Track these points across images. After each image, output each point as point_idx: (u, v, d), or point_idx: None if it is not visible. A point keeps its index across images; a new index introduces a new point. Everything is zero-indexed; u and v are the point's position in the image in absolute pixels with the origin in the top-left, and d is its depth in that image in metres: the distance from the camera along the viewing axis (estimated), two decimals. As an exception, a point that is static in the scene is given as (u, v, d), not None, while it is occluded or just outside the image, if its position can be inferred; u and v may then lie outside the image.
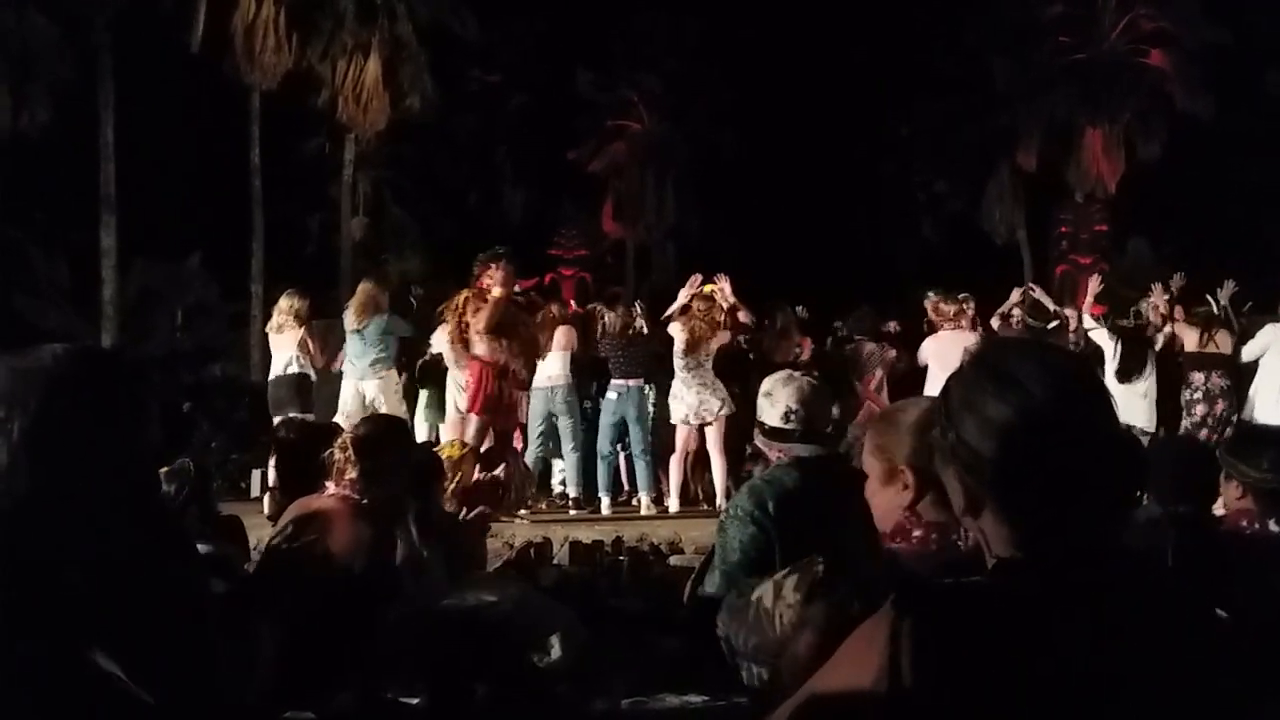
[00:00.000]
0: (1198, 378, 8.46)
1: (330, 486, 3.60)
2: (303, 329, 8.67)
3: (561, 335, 8.44)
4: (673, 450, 8.48)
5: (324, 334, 9.01)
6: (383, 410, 7.88)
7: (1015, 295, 9.52)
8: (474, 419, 7.71)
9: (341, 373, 8.75)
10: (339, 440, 3.70)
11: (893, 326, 10.20)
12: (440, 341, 8.42)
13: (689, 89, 26.11)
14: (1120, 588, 1.25)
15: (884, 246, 26.69)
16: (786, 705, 1.31)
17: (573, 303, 11.71)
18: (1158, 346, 8.55)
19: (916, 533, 2.14)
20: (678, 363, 8.24)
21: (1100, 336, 8.45)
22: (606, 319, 8.73)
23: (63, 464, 1.60)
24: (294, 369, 8.62)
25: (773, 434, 3.44)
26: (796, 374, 3.63)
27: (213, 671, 1.68)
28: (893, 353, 9.35)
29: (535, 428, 8.41)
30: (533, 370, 8.11)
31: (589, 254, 27.36)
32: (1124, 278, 17.43)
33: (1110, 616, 1.21)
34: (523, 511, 7.67)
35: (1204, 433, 8.19)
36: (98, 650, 1.52)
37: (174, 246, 21.01)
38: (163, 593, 1.63)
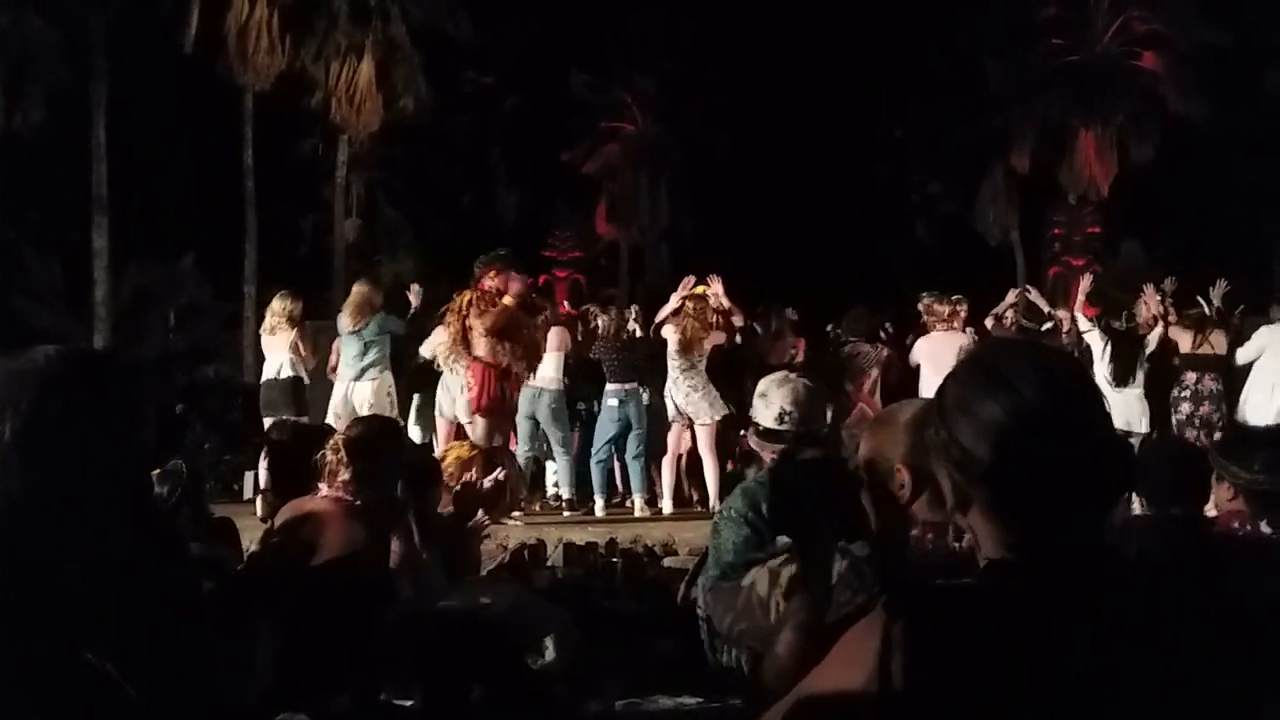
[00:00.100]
0: (1189, 377, 8.51)
1: (323, 488, 3.60)
2: (295, 331, 8.65)
3: (554, 337, 8.42)
4: (665, 452, 8.49)
5: (315, 336, 8.99)
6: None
7: (1011, 297, 9.53)
8: (480, 421, 7.73)
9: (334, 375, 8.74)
10: (331, 442, 3.69)
11: (887, 328, 10.20)
12: (432, 346, 8.41)
13: (683, 90, 26.12)
14: (1113, 589, 1.25)
15: (878, 248, 26.73)
16: (778, 707, 1.31)
17: (566, 304, 11.72)
18: (1150, 348, 8.58)
19: (912, 532, 2.15)
20: (671, 364, 8.25)
21: (1093, 338, 8.47)
22: (600, 321, 8.73)
23: (55, 465, 1.60)
24: (286, 371, 8.59)
25: (767, 435, 3.45)
26: (792, 375, 3.64)
27: (209, 672, 1.68)
28: (886, 353, 9.36)
29: (522, 426, 8.38)
30: (534, 370, 8.13)
31: (583, 256, 27.38)
32: (1117, 280, 17.45)
33: (1103, 618, 1.21)
34: (516, 513, 7.67)
35: (1189, 432, 8.23)
36: (93, 651, 1.52)
37: (167, 247, 20.97)
38: (158, 594, 1.63)
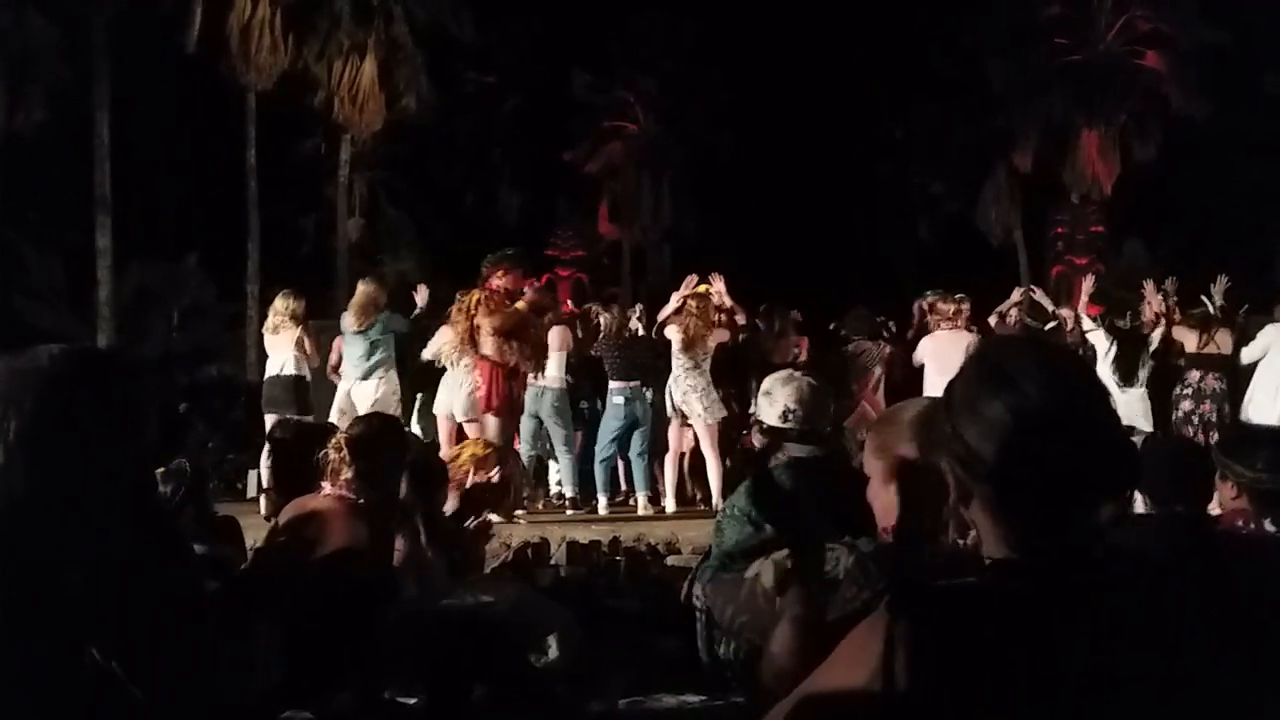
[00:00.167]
0: (1193, 375, 8.49)
1: (326, 487, 3.60)
2: (299, 329, 8.65)
3: (556, 336, 8.42)
4: (668, 450, 8.49)
5: (318, 335, 8.99)
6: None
7: (1015, 295, 9.53)
8: (492, 420, 7.75)
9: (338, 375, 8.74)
10: (333, 440, 3.69)
11: (890, 326, 10.19)
12: (435, 347, 8.41)
13: (685, 90, 26.13)
14: (1116, 588, 1.25)
15: (881, 248, 26.75)
16: (781, 706, 1.31)
17: (569, 303, 11.71)
18: (1153, 347, 8.57)
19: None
20: (675, 362, 8.25)
21: (1097, 338, 8.46)
22: (602, 320, 8.73)
23: (59, 464, 1.60)
24: (290, 370, 8.60)
25: (770, 433, 3.44)
26: (797, 374, 3.63)
27: (212, 672, 1.68)
28: (889, 350, 9.35)
29: (526, 425, 8.39)
30: (541, 370, 8.15)
31: (585, 255, 27.39)
32: (1119, 279, 17.45)
33: (1106, 617, 1.21)
34: (519, 512, 7.67)
35: (1188, 430, 8.22)
36: (96, 650, 1.52)
37: (170, 247, 21.01)
38: (161, 593, 1.63)
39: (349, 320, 8.61)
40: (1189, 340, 8.58)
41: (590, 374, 8.82)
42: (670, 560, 5.78)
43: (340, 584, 3.34)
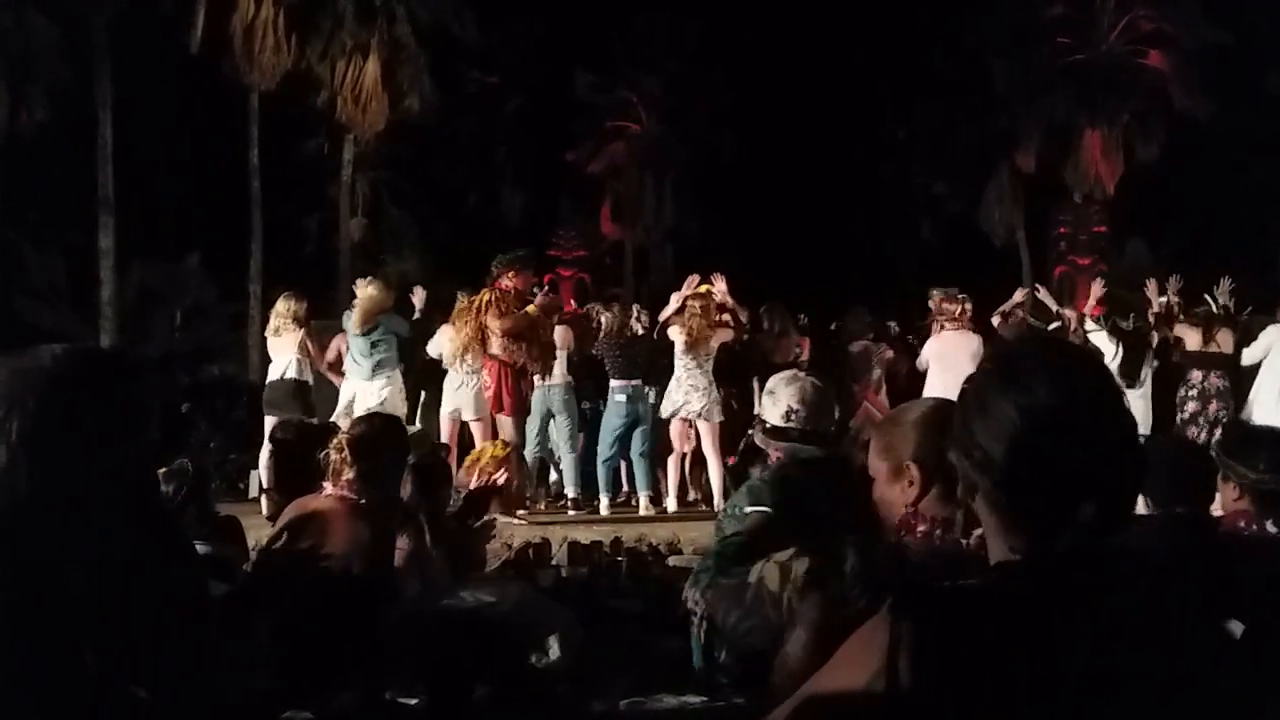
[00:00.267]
0: (1196, 375, 8.48)
1: (328, 487, 3.60)
2: (302, 331, 8.65)
3: (559, 335, 8.44)
4: (670, 450, 8.49)
5: (320, 336, 8.99)
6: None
7: (1019, 295, 9.53)
8: (506, 420, 7.79)
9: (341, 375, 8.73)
10: (335, 440, 3.70)
11: (892, 327, 10.20)
12: (439, 345, 8.41)
13: (688, 90, 26.13)
14: (1119, 590, 1.25)
15: (883, 248, 26.75)
16: (784, 707, 1.31)
17: (572, 303, 11.72)
18: (1154, 346, 8.56)
19: (921, 528, 2.15)
20: (678, 362, 8.25)
21: (1100, 339, 8.45)
22: (603, 319, 8.74)
23: (61, 464, 1.60)
24: (292, 374, 8.60)
25: (773, 433, 3.44)
26: (800, 374, 3.63)
27: (213, 672, 1.68)
28: (890, 353, 9.35)
29: (533, 425, 8.40)
30: (549, 372, 8.17)
31: (587, 255, 27.38)
32: (1122, 279, 17.42)
33: (1110, 619, 1.21)
34: (521, 512, 7.68)
35: (1193, 430, 8.21)
36: (98, 650, 1.52)
37: (172, 247, 21.02)
38: (163, 593, 1.63)
39: (353, 321, 8.61)
40: (1192, 339, 8.57)
41: (592, 374, 8.84)
42: (672, 561, 5.78)
43: (341, 584, 3.35)
